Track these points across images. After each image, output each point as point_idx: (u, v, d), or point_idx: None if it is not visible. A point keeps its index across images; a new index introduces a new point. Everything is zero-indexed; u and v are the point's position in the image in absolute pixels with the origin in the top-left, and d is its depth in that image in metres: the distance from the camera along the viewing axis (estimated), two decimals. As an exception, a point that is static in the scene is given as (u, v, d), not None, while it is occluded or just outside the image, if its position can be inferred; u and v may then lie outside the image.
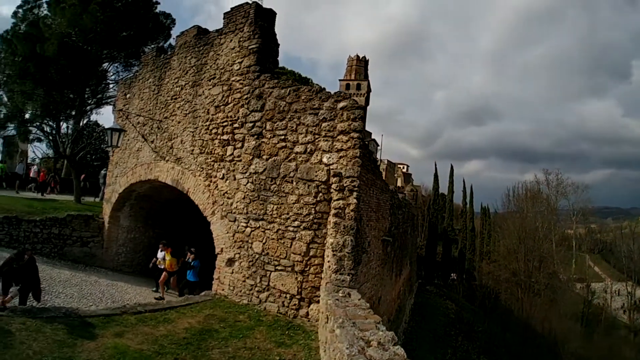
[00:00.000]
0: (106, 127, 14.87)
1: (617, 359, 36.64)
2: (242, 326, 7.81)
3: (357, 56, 72.24)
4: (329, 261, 7.52)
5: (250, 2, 10.29)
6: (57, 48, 20.47)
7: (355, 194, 7.89)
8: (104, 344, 6.28)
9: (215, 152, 10.59)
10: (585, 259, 67.58)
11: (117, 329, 6.98)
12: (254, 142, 9.62)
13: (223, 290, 9.71)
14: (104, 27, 21.53)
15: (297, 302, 8.40)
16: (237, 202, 9.76)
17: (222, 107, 10.59)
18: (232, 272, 9.57)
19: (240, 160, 9.88)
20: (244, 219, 9.50)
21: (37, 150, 33.18)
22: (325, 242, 8.16)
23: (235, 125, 10.13)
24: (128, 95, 15.29)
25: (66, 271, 12.50)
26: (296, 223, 8.57)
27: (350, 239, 7.54)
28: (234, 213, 9.78)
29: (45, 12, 23.55)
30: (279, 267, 8.72)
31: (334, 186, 8.09)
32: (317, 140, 8.58)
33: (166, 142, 12.57)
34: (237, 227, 9.63)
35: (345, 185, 7.97)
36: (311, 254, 8.36)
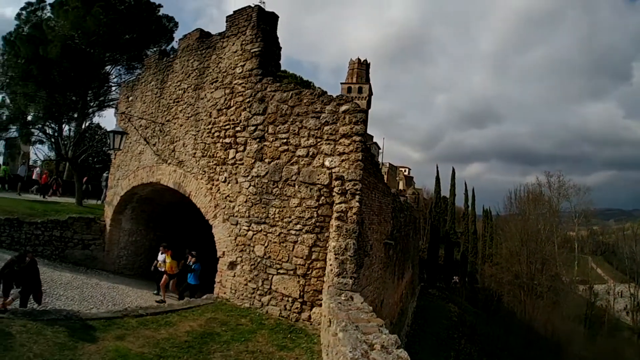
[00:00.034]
0: (108, 129, 14.91)
1: (621, 360, 36.62)
2: (244, 329, 7.78)
3: (359, 59, 72.42)
4: (331, 264, 7.49)
5: (253, 5, 10.31)
6: (60, 50, 20.54)
7: (357, 197, 7.86)
8: (105, 347, 6.27)
9: (218, 155, 10.59)
10: (588, 261, 67.55)
11: (118, 332, 6.96)
12: (256, 146, 9.62)
13: (225, 293, 9.69)
14: (106, 30, 21.61)
15: (299, 306, 8.37)
16: (239, 205, 9.75)
17: (224, 110, 10.59)
18: (234, 276, 9.55)
19: (242, 164, 9.88)
20: (246, 222, 9.48)
21: (39, 152, 33.25)
22: (327, 245, 8.14)
23: (238, 128, 10.13)
24: (130, 98, 15.33)
25: (67, 274, 12.52)
26: (298, 226, 8.55)
27: (352, 242, 7.51)
28: (236, 216, 9.77)
29: (49, 14, 23.66)
30: (281, 271, 8.69)
31: (336, 189, 8.06)
32: (319, 144, 8.57)
33: (168, 145, 12.59)
34: (239, 230, 9.62)
35: (347, 188, 7.95)
36: (313, 257, 8.34)
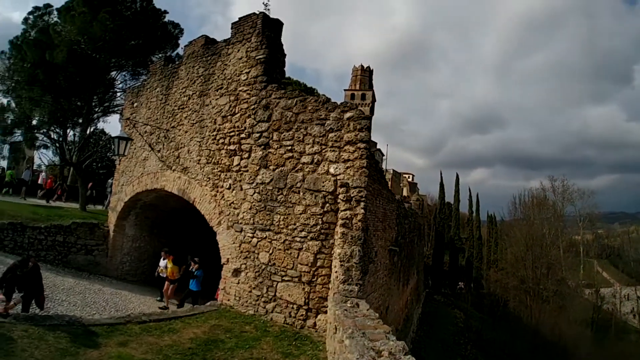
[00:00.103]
0: (113, 135, 14.94)
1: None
2: (248, 337, 7.74)
3: (362, 66, 72.60)
4: (336, 271, 7.47)
5: (258, 12, 10.35)
6: (66, 55, 20.57)
7: (362, 204, 7.85)
8: (108, 353, 6.25)
9: (222, 162, 10.59)
10: (593, 264, 67.28)
11: (121, 338, 6.93)
12: (260, 153, 9.62)
13: (229, 300, 9.65)
14: (113, 36, 21.67)
15: (304, 313, 8.33)
16: (243, 212, 9.73)
17: (229, 117, 10.60)
18: (238, 283, 9.51)
19: (247, 171, 9.87)
20: (251, 229, 9.46)
21: (44, 157, 33.41)
22: (332, 252, 8.10)
23: (242, 135, 10.13)
24: (135, 104, 15.37)
25: (70, 279, 12.49)
26: (303, 233, 8.52)
27: (357, 249, 7.49)
28: (241, 223, 9.74)
29: (56, 19, 23.69)
30: (286, 278, 8.66)
31: (341, 196, 8.06)
32: (323, 151, 8.56)
33: (173, 152, 12.60)
34: (244, 237, 9.59)
35: (352, 195, 7.94)
36: (318, 264, 8.30)
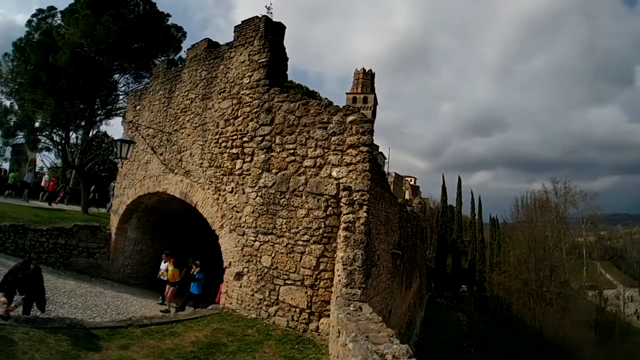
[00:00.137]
0: (115, 138, 14.95)
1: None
2: (250, 340, 7.71)
3: (364, 69, 72.75)
4: (339, 275, 7.45)
5: (260, 16, 10.36)
6: (69, 58, 20.66)
7: (365, 207, 7.84)
8: (109, 357, 6.24)
9: (225, 165, 10.59)
10: (597, 266, 67.14)
11: (122, 341, 6.92)
12: (263, 156, 9.61)
13: (231, 304, 9.63)
14: (116, 39, 21.77)
15: (307, 316, 8.30)
16: (246, 215, 9.72)
17: (231, 120, 10.61)
18: (241, 286, 9.49)
19: (249, 174, 9.86)
20: (253, 232, 9.44)
21: (46, 159, 33.44)
22: (335, 256, 8.09)
23: (245, 139, 10.13)
24: (138, 107, 15.39)
25: (71, 281, 12.46)
26: (306, 237, 8.51)
27: (360, 252, 7.48)
28: (243, 227, 9.73)
29: (59, 21, 23.84)
30: (289, 281, 8.64)
31: (343, 200, 8.04)
32: (326, 154, 8.55)
33: (175, 155, 12.60)
34: (246, 241, 9.58)
35: (355, 199, 7.93)
36: (321, 268, 8.28)
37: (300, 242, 8.57)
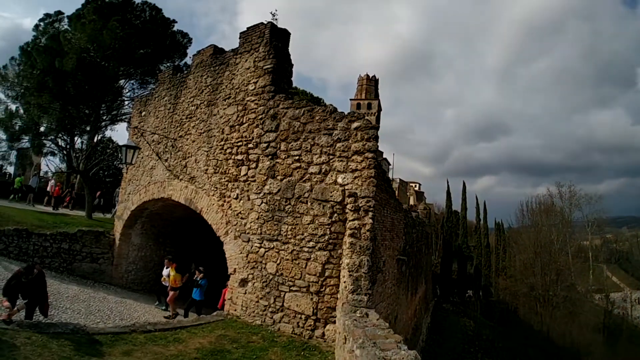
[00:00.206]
0: (120, 144, 14.99)
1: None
2: (255, 347, 7.66)
3: (367, 75, 72.85)
4: (345, 281, 7.41)
5: (266, 22, 10.38)
6: (75, 63, 20.73)
7: (370, 214, 7.80)
8: (112, 362, 6.20)
9: (230, 172, 10.58)
10: (603, 269, 66.57)
11: (125, 347, 6.87)
12: (268, 163, 9.61)
13: (235, 310, 9.59)
14: (122, 44, 21.86)
15: (312, 323, 8.26)
16: (251, 222, 9.70)
17: (236, 127, 10.62)
18: (245, 293, 9.46)
19: (254, 181, 9.85)
20: (258, 239, 9.42)
21: (51, 164, 33.60)
22: (340, 262, 8.06)
23: (250, 145, 10.13)
24: (143, 113, 15.43)
25: (74, 286, 12.46)
26: (311, 244, 8.48)
27: (366, 259, 7.44)
28: (248, 233, 9.71)
29: (66, 26, 23.92)
30: (294, 288, 8.60)
31: (349, 206, 8.01)
32: (331, 161, 8.54)
33: (180, 161, 12.61)
34: (251, 247, 9.55)
35: (360, 205, 7.90)
36: (327, 274, 8.25)
37: (306, 249, 8.54)
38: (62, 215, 18.15)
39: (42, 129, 26.26)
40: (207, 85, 11.95)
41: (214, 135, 11.32)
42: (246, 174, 10.08)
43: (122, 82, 26.15)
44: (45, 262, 13.10)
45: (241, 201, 10.07)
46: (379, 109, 70.74)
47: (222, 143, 10.96)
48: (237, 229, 10.00)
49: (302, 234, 8.66)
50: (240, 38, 10.92)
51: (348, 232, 7.85)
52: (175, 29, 26.01)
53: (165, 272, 12.89)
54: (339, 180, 8.35)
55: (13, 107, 26.03)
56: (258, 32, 10.42)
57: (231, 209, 10.32)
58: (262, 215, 9.47)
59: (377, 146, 8.29)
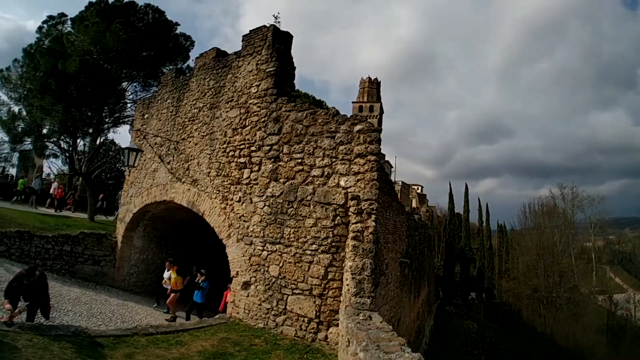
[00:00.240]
0: (123, 146, 15.00)
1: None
2: (258, 350, 7.64)
3: (369, 78, 72.97)
4: (348, 284, 7.40)
5: (268, 25, 10.39)
6: (78, 65, 20.72)
7: (373, 216, 7.78)
8: (113, 365, 6.19)
9: (232, 174, 10.58)
10: (606, 270, 66.29)
11: (127, 350, 6.86)
12: (271, 166, 9.61)
13: (238, 313, 9.58)
14: (125, 47, 21.86)
15: (315, 326, 8.24)
16: (253, 225, 9.69)
17: (239, 129, 10.62)
18: (248, 296, 9.45)
19: (257, 184, 9.85)
20: (261, 242, 9.41)
21: (53, 166, 33.65)
22: (343, 265, 8.06)
23: (253, 148, 10.14)
24: (146, 116, 15.44)
25: (76, 289, 12.44)
26: (314, 246, 8.47)
27: (369, 261, 7.42)
28: (250, 236, 9.70)
29: (69, 29, 23.93)
30: (297, 291, 8.59)
31: (352, 209, 8.00)
32: (334, 164, 8.53)
33: (182, 164, 12.61)
34: (254, 250, 9.54)
35: (363, 208, 7.88)
36: (329, 277, 8.23)
37: (309, 252, 8.53)
38: (65, 218, 18.17)
39: (44, 131, 26.25)
40: (210, 88, 11.96)
41: (217, 138, 11.32)
42: (249, 177, 10.08)
43: (124, 84, 26.14)
44: (47, 265, 13.08)
45: (244, 204, 10.07)
46: (381, 112, 70.84)
47: (225, 146, 10.97)
48: (240, 232, 9.99)
49: (305, 237, 8.65)
50: (242, 41, 10.92)
51: (351, 234, 7.83)
52: (177, 31, 26.04)
53: (166, 274, 12.89)
54: (342, 183, 8.34)
55: (16, 109, 26.06)
56: (261, 35, 10.43)
57: (234, 212, 10.31)
58: (264, 218, 9.46)
59: (380, 149, 8.29)
